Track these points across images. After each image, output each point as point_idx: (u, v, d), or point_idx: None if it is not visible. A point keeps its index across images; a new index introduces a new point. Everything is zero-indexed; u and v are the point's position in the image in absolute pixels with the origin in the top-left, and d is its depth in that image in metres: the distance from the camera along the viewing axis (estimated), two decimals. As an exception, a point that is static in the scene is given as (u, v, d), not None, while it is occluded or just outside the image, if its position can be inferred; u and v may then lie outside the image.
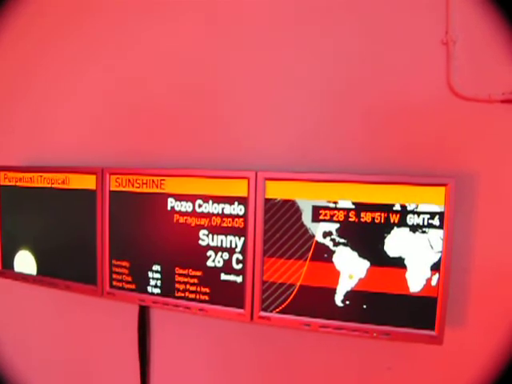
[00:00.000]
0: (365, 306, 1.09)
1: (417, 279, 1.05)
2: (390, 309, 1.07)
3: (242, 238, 1.16)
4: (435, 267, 1.04)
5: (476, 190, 1.07)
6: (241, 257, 1.16)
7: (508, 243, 1.07)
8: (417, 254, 1.04)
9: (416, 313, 1.06)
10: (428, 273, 1.04)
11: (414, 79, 1.11)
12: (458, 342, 1.11)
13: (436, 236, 1.04)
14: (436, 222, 1.03)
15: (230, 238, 1.17)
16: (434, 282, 1.04)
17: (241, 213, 1.16)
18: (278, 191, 1.13)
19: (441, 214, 1.03)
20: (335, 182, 1.09)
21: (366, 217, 1.08)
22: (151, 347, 1.42)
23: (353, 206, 1.08)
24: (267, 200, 1.14)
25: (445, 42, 1.07)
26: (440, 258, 1.03)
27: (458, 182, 1.03)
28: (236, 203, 1.16)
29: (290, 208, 1.13)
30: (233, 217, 1.16)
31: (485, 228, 1.08)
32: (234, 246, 1.17)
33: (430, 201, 1.03)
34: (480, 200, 1.07)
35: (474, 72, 1.05)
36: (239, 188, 1.15)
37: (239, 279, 1.17)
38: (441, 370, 1.14)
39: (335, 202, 1.09)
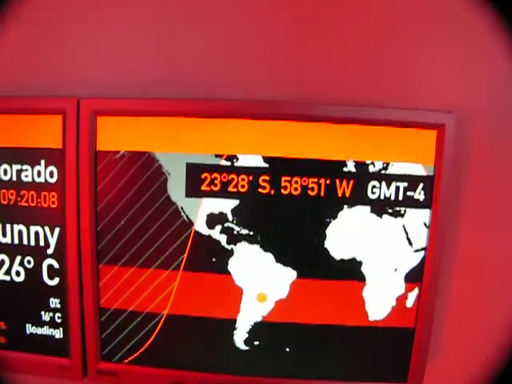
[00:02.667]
0: (287, 349, 0.60)
1: (382, 299, 0.59)
2: (331, 351, 0.61)
3: (57, 229, 0.60)
4: (413, 277, 0.58)
5: (473, 139, 0.61)
6: (56, 264, 0.61)
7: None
8: (384, 254, 0.58)
9: (377, 356, 0.61)
10: (401, 287, 0.59)
11: None
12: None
13: (418, 221, 0.57)
14: (419, 195, 0.57)
15: (34, 228, 0.60)
16: (409, 303, 0.59)
17: (52, 180, 0.59)
18: (119, 137, 0.57)
19: (428, 181, 0.56)
20: (229, 118, 0.55)
21: (292, 186, 0.56)
22: None
23: (265, 165, 0.56)
24: (101, 154, 0.57)
25: None
26: (423, 260, 0.58)
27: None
28: (42, 162, 0.59)
29: (143, 169, 0.57)
30: (38, 189, 0.60)
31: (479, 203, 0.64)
32: (42, 243, 0.60)
33: (408, 157, 0.56)
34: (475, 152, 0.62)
35: None
36: (48, 133, 0.58)
37: (57, 305, 0.63)
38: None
39: (231, 158, 0.56)
